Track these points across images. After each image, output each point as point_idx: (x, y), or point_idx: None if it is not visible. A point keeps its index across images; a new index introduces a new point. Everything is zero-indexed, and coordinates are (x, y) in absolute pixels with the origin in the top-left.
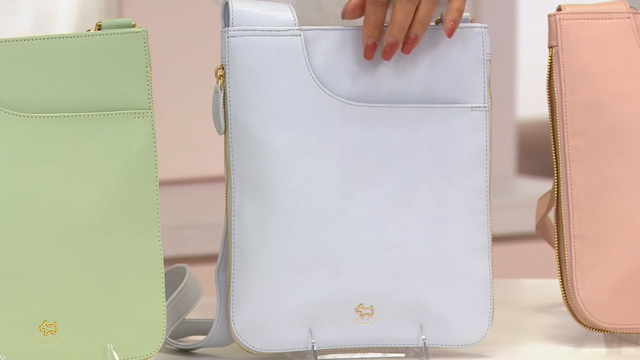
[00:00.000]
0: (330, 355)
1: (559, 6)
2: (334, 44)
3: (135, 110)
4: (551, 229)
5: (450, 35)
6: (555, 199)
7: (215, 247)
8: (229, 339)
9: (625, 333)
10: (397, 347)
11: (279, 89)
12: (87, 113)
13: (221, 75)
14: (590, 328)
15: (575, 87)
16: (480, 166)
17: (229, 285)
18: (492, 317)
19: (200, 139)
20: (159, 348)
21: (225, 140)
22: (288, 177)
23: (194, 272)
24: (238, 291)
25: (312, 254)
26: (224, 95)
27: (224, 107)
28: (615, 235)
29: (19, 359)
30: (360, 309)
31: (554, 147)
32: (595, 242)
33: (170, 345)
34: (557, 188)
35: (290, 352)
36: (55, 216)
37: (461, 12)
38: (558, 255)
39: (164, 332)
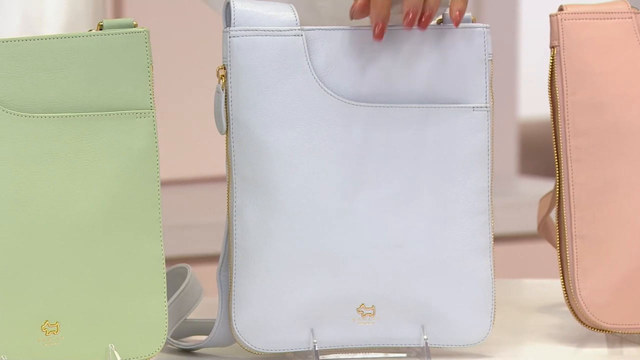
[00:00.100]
0: (331, 355)
1: (561, 6)
2: (336, 44)
3: (137, 110)
4: (553, 229)
5: (457, 24)
6: (556, 199)
7: (217, 247)
8: (231, 339)
9: (627, 333)
10: (398, 347)
11: (281, 89)
12: (89, 113)
13: (223, 75)
14: (591, 328)
15: (577, 87)
16: (482, 166)
17: (230, 285)
18: (494, 317)
19: (201, 139)
20: (160, 348)
21: (226, 140)
22: (290, 177)
23: (195, 272)
24: (240, 291)
25: (314, 254)
26: (225, 95)
27: (226, 107)
28: (617, 235)
29: (20, 358)
30: (362, 309)
31: (556, 147)
32: (597, 242)
33: (172, 345)
34: (559, 188)
35: (291, 352)
36: (57, 216)
37: (466, 1)
38: (560, 255)
39: (166, 332)
